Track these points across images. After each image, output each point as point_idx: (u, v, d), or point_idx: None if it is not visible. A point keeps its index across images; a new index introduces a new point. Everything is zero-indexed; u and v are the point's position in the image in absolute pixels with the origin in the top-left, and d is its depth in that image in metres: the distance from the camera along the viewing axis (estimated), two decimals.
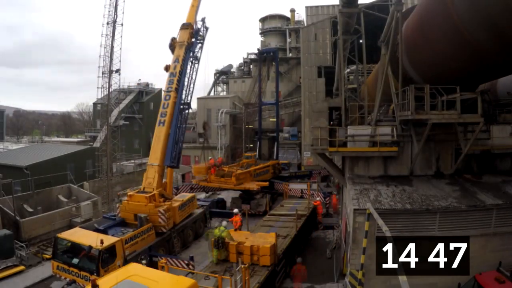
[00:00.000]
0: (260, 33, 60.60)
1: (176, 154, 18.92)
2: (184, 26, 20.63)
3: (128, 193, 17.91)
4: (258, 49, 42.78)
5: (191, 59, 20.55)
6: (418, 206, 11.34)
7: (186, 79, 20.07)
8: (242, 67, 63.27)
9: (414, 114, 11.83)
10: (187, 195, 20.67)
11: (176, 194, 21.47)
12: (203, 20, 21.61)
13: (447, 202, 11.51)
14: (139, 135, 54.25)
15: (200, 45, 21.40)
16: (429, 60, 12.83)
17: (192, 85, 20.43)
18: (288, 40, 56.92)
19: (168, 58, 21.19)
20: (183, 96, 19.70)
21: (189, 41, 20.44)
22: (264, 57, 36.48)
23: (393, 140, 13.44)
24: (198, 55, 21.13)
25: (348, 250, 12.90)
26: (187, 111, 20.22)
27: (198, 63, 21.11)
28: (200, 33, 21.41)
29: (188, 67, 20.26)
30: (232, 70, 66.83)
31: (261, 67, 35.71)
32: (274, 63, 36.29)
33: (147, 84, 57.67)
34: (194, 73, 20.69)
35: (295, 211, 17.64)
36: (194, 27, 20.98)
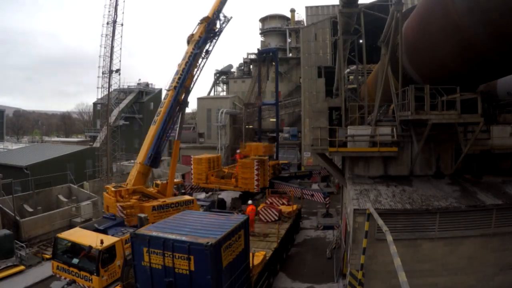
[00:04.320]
0: (260, 33, 60.65)
1: (153, 154, 18.56)
2: (202, 20, 19.68)
3: (106, 186, 18.30)
4: (258, 49, 42.79)
5: (203, 54, 19.63)
6: (418, 206, 11.34)
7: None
8: (242, 67, 63.31)
9: (414, 114, 11.83)
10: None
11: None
12: (221, 12, 20.11)
13: (447, 202, 11.52)
14: (139, 135, 54.16)
15: (213, 39, 20.09)
16: (429, 60, 12.83)
17: (192, 83, 19.73)
18: (288, 40, 56.96)
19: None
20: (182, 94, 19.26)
21: (202, 35, 19.57)
22: (264, 57, 36.49)
23: (393, 140, 13.44)
24: (210, 49, 20.08)
25: (348, 250, 12.91)
26: (181, 109, 19.55)
27: (206, 59, 20.13)
28: (217, 26, 20.20)
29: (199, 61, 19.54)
30: (232, 70, 66.86)
31: (260, 68, 35.71)
32: (274, 63, 36.29)
33: (147, 84, 57.71)
34: (198, 70, 19.80)
35: None
36: (212, 18, 19.75)
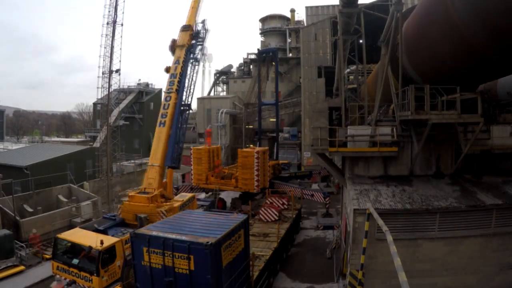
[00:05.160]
0: (260, 33, 60.64)
1: (177, 155, 19.22)
2: (184, 28, 20.91)
3: (129, 194, 17.86)
4: (258, 49, 42.76)
5: (192, 60, 20.90)
6: (418, 206, 11.34)
7: (187, 80, 20.43)
8: (242, 67, 63.30)
9: (414, 114, 11.83)
10: (187, 195, 20.61)
11: (176, 194, 21.44)
12: (203, 22, 21.92)
13: (447, 202, 11.51)
14: (139, 135, 54.22)
15: (200, 47, 21.65)
16: (429, 60, 12.83)
17: (192, 86, 20.76)
18: (288, 40, 56.95)
19: (168, 58, 21.15)
20: (184, 97, 20.01)
21: (189, 43, 20.74)
22: (264, 57, 36.39)
23: (393, 140, 13.44)
24: (198, 56, 21.48)
25: (348, 250, 12.91)
26: (187, 112, 20.46)
27: (198, 65, 21.49)
28: (200, 35, 21.67)
29: (189, 68, 20.63)
30: (232, 70, 66.86)
31: (260, 68, 35.59)
32: (274, 63, 36.25)
33: (147, 84, 57.73)
34: (194, 74, 21.05)
35: None
36: (194, 29, 21.27)
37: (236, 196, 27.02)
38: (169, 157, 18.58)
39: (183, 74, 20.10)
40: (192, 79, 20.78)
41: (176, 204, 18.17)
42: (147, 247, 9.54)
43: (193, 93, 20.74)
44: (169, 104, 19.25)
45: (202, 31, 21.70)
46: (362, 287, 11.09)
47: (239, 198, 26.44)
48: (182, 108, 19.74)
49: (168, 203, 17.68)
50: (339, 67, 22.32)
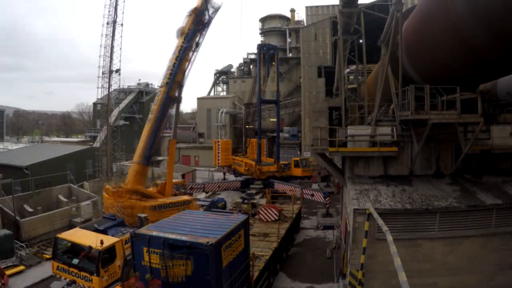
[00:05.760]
0: (260, 33, 60.70)
1: (148, 153, 18.84)
2: (191, 11, 18.83)
3: (106, 187, 18.54)
4: (258, 45, 42.61)
5: (193, 47, 19.07)
6: (418, 206, 11.34)
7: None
8: (242, 67, 63.37)
9: (414, 114, 11.81)
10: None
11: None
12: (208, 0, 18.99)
13: (447, 202, 11.51)
14: (139, 135, 53.96)
15: (203, 31, 19.17)
16: (429, 60, 12.82)
17: (184, 78, 19.09)
18: (288, 40, 57.02)
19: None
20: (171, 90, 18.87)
21: (191, 28, 18.76)
22: (264, 53, 35.82)
23: (393, 140, 13.43)
24: (200, 41, 19.25)
25: (348, 250, 12.91)
26: (173, 104, 19.22)
27: (197, 52, 19.26)
28: (205, 16, 19.19)
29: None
30: (232, 70, 66.92)
31: (261, 62, 34.65)
32: (274, 63, 36.20)
33: (147, 84, 57.77)
34: (189, 63, 19.15)
35: None
36: (201, 9, 18.82)
37: (236, 196, 27.09)
38: (146, 155, 18.61)
39: (177, 65, 18.49)
40: (185, 68, 18.88)
41: (147, 204, 17.85)
42: (147, 247, 9.54)
43: (183, 83, 19.09)
44: (156, 100, 18.72)
45: (207, 11, 18.99)
46: (362, 287, 11.09)
47: (239, 198, 26.49)
48: (167, 101, 18.65)
49: (132, 201, 17.69)
50: (339, 67, 22.30)
